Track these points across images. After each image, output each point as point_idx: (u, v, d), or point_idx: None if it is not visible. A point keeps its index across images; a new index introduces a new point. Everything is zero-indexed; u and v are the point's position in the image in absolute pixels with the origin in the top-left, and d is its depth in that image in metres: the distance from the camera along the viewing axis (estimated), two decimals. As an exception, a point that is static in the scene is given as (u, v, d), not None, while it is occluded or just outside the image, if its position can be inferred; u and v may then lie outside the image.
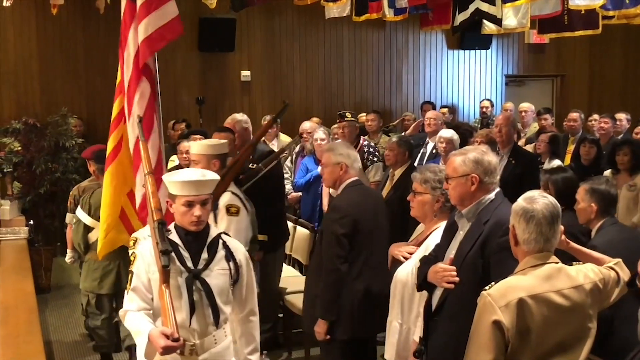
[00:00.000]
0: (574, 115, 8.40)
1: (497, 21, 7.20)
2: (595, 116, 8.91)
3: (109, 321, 5.52)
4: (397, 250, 4.03)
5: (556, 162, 6.94)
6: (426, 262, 3.50)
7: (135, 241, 4.03)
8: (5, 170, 8.23)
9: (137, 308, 3.24)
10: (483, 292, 2.76)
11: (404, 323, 3.87)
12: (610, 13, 7.45)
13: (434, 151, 7.19)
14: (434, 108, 10.59)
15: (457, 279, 3.22)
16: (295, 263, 6.74)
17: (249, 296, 3.49)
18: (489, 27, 9.34)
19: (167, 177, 3.31)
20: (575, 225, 4.33)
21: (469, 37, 11.91)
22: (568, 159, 7.67)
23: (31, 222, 7.84)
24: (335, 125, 8.52)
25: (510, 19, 7.98)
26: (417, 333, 3.64)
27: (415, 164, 6.83)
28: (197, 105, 9.92)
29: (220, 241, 3.37)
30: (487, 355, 2.70)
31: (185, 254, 3.26)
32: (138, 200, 4.26)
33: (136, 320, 3.20)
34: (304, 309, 4.63)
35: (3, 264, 6.64)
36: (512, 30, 8.42)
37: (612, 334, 3.73)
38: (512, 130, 6.37)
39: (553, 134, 7.62)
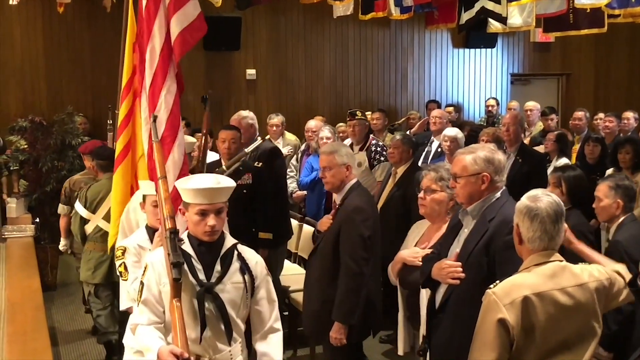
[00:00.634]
0: (580, 114, 8.38)
1: (503, 20, 7.21)
2: (601, 115, 8.89)
3: (108, 310, 5.71)
4: (412, 256, 3.90)
5: (564, 161, 6.93)
6: (429, 260, 3.50)
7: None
8: (11, 168, 8.27)
9: (148, 322, 3.10)
10: (488, 290, 2.76)
11: None
12: (616, 12, 7.46)
13: (439, 150, 7.20)
14: (439, 107, 10.59)
15: (462, 274, 3.22)
16: (300, 261, 6.76)
17: (269, 311, 3.27)
18: (494, 25, 9.36)
19: (180, 184, 3.17)
20: (584, 223, 4.33)
21: (474, 35, 11.89)
22: (574, 158, 7.66)
23: (37, 219, 7.88)
24: (342, 124, 8.55)
25: (516, 18, 7.99)
26: (421, 331, 3.64)
27: (420, 163, 6.84)
28: (203, 104, 9.91)
29: (235, 252, 3.20)
30: (492, 353, 2.70)
31: (198, 266, 3.11)
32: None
33: (146, 335, 3.06)
34: (309, 315, 4.47)
35: (10, 262, 6.68)
36: (518, 28, 8.44)
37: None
38: (520, 129, 6.36)
39: (560, 132, 7.62)
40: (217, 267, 3.12)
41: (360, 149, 7.05)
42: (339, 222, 4.23)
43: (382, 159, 6.99)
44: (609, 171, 6.37)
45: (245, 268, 3.18)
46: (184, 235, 3.16)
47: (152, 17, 3.92)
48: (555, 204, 2.79)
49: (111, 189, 5.59)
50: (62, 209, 6.41)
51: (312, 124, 7.98)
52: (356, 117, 7.09)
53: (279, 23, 11.29)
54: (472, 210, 3.32)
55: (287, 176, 7.25)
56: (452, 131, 6.67)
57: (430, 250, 3.78)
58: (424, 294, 3.66)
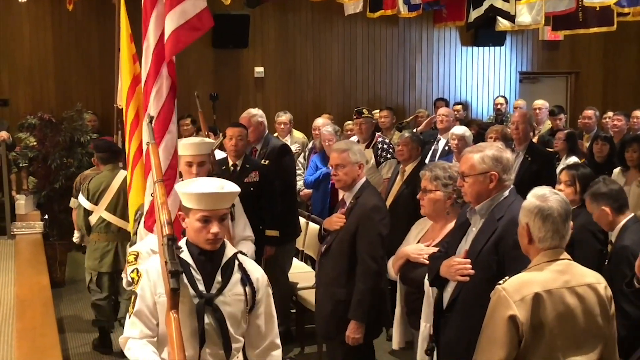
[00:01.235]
0: (589, 112, 8.36)
1: (511, 18, 7.18)
2: (610, 113, 8.86)
3: (108, 298, 6.04)
4: (416, 253, 3.89)
5: (573, 159, 6.91)
6: (437, 258, 3.49)
7: (137, 256, 3.62)
8: (20, 165, 8.31)
9: (140, 335, 2.87)
10: (497, 286, 2.76)
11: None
12: (626, 10, 7.43)
13: (446, 148, 7.19)
14: (447, 105, 10.58)
15: (472, 271, 3.21)
16: (307, 259, 6.76)
17: (268, 326, 3.06)
18: (503, 23, 9.30)
19: (180, 188, 2.94)
20: (594, 223, 4.28)
21: (482, 33, 11.87)
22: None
23: (46, 216, 7.92)
24: (350, 122, 8.55)
25: (525, 16, 7.95)
26: (422, 328, 3.65)
27: (427, 161, 6.83)
28: (211, 102, 9.96)
29: (236, 262, 2.98)
30: (501, 350, 2.69)
31: (197, 276, 2.88)
32: (146, 207, 3.86)
33: (139, 351, 2.85)
34: (323, 315, 4.41)
35: (19, 258, 6.72)
36: (527, 27, 8.39)
37: None
38: (529, 128, 6.34)
39: (570, 131, 7.60)
40: (218, 277, 2.91)
41: (367, 147, 7.05)
42: (355, 221, 4.18)
43: (388, 156, 6.99)
44: (616, 170, 6.35)
45: (246, 279, 2.96)
46: (182, 243, 2.95)
47: (149, 13, 3.75)
48: (564, 203, 2.80)
49: (112, 181, 5.96)
50: (73, 202, 6.66)
51: (319, 121, 7.98)
52: (362, 116, 7.11)
53: (288, 21, 11.30)
54: (480, 209, 3.32)
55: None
56: (460, 129, 6.66)
57: (436, 248, 3.77)
58: (430, 292, 3.64)
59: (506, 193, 3.31)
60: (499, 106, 10.78)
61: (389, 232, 4.20)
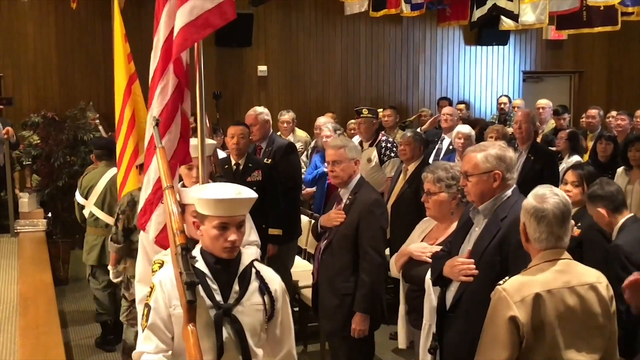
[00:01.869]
0: (593, 112, 8.34)
1: (515, 17, 7.19)
2: (613, 113, 8.84)
3: (107, 292, 6.12)
4: (419, 251, 3.88)
5: (576, 158, 6.91)
6: (440, 258, 3.49)
7: (161, 265, 3.37)
8: (24, 163, 8.34)
9: (155, 350, 2.72)
10: (497, 286, 2.75)
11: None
12: (630, 9, 7.42)
13: (450, 147, 7.19)
14: (450, 104, 10.57)
15: (475, 271, 3.21)
16: (310, 257, 6.76)
17: (286, 336, 2.94)
18: (506, 23, 9.29)
19: (196, 194, 2.80)
20: None
21: (486, 33, 11.86)
22: (586, 157, 7.63)
23: (49, 214, 7.94)
24: (353, 121, 8.55)
25: (529, 15, 7.95)
26: (424, 327, 3.64)
27: (431, 160, 6.83)
28: (214, 100, 9.94)
29: (253, 270, 2.85)
30: (502, 351, 2.68)
31: (214, 286, 2.75)
32: (141, 204, 3.68)
33: None
34: (328, 310, 4.40)
35: (22, 256, 6.74)
36: (530, 26, 8.39)
37: None
38: (532, 127, 6.34)
39: (572, 131, 7.60)
40: (235, 287, 2.77)
41: (370, 145, 7.06)
42: (357, 216, 4.22)
43: (392, 154, 6.98)
44: (620, 169, 6.34)
45: (264, 288, 2.83)
46: (195, 252, 2.82)
47: (161, 7, 3.56)
48: (562, 204, 2.76)
49: (103, 177, 6.10)
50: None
51: (321, 120, 7.98)
52: (362, 115, 7.11)
53: (291, 20, 11.30)
54: (484, 209, 3.31)
55: (299, 172, 7.26)
56: (466, 128, 6.66)
57: (439, 247, 3.77)
58: (432, 291, 3.63)
59: (509, 192, 3.30)
60: (502, 105, 10.77)
61: (389, 229, 4.31)
